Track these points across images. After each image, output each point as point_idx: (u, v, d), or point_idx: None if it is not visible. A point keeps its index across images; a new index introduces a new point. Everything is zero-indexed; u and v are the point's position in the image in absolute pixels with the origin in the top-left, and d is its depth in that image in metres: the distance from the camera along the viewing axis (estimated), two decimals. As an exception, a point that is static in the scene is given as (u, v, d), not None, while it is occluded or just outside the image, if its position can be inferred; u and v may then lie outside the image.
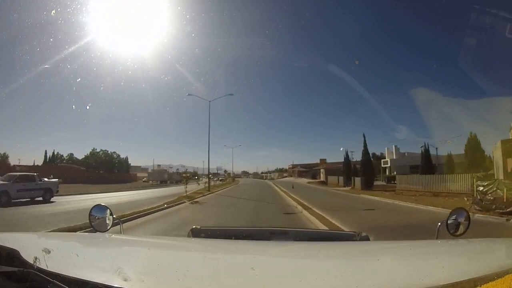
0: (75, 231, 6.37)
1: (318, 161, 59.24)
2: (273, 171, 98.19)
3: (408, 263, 1.21)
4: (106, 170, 49.73)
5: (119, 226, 1.81)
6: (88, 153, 52.49)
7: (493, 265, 0.89)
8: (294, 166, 79.40)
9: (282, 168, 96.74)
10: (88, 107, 37.34)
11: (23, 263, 0.77)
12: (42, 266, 0.79)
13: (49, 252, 0.89)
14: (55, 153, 51.85)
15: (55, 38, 16.00)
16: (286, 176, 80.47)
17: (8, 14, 17.03)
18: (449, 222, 1.66)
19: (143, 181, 49.11)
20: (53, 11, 13.69)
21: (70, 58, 16.77)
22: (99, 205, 1.82)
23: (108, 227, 1.74)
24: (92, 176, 39.34)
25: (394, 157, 37.58)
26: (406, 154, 36.33)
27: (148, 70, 29.00)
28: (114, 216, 1.79)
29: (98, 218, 1.74)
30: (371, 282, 0.89)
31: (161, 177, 52.45)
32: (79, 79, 21.09)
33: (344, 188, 30.27)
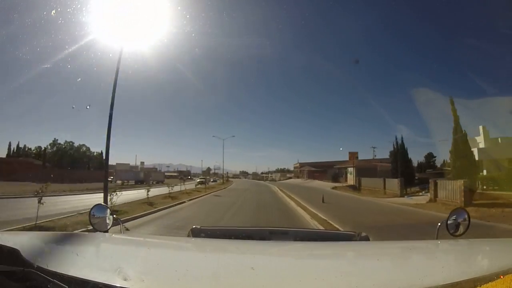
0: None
1: (329, 160, 48.39)
2: (274, 171, 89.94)
3: (408, 263, 1.21)
4: (72, 166, 40.01)
5: (119, 226, 1.81)
6: (48, 145, 42.91)
7: (493, 265, 0.89)
8: (302, 165, 65.01)
9: (284, 168, 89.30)
10: (88, 107, 36.83)
11: (23, 262, 0.77)
12: (43, 265, 0.79)
13: (49, 251, 0.90)
14: (20, 145, 43.82)
15: (54, 38, 15.98)
16: (290, 177, 68.41)
17: (8, 14, 17.03)
18: (449, 222, 1.66)
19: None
20: (53, 11, 13.66)
21: (70, 58, 16.72)
22: (99, 204, 1.83)
23: (108, 227, 1.74)
24: (49, 173, 29.77)
25: (484, 145, 21.58)
26: (499, 140, 21.79)
27: (148, 70, 28.95)
28: (114, 216, 1.80)
29: (98, 218, 1.74)
30: (371, 282, 0.89)
31: (135, 176, 40.74)
32: (79, 79, 20.97)
33: (415, 201, 17.70)
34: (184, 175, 65.01)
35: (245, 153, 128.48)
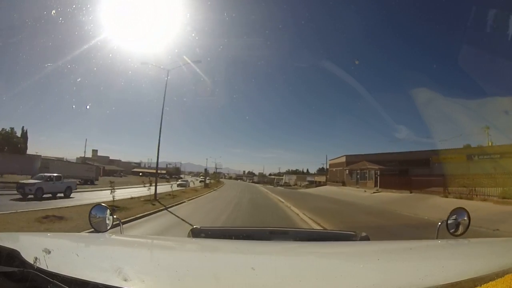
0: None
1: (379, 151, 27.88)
2: (286, 173, 69.38)
3: (408, 263, 1.21)
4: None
5: (119, 226, 1.81)
6: None
7: (493, 265, 0.89)
8: (351, 158, 35.41)
9: (297, 170, 71.05)
10: (88, 107, 36.40)
11: (23, 263, 0.77)
12: (42, 266, 0.79)
13: (49, 252, 0.89)
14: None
15: (55, 38, 15.96)
16: (323, 184, 41.23)
17: (8, 15, 17.05)
18: (449, 222, 1.66)
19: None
20: (53, 11, 13.64)
21: (70, 58, 16.70)
22: (99, 205, 1.82)
23: (108, 227, 1.74)
24: None
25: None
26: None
27: (148, 70, 28.83)
28: (114, 216, 1.79)
29: (98, 218, 1.74)
30: (371, 282, 0.89)
31: (29, 168, 24.99)
32: (79, 79, 20.75)
33: None
34: (172, 174, 56.94)
35: (251, 154, 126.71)
